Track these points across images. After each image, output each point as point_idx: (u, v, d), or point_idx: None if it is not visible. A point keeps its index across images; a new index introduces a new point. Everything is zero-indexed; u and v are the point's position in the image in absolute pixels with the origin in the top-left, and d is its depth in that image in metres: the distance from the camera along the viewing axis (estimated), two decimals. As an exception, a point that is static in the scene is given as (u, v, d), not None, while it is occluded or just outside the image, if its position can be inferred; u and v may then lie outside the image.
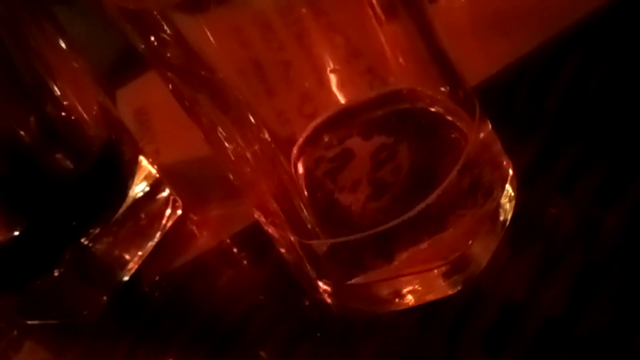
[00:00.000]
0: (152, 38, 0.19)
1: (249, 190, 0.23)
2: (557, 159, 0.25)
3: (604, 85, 0.26)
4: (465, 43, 0.30)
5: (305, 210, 0.22)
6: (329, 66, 0.24)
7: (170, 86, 0.21)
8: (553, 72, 0.27)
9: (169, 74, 0.20)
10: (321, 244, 0.22)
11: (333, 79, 0.24)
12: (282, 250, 0.23)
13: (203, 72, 0.20)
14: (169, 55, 0.19)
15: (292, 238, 0.22)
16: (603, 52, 0.27)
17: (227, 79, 0.20)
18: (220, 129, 0.21)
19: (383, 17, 0.22)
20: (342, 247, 0.22)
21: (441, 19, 0.24)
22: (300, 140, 0.23)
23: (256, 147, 0.21)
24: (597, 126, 0.25)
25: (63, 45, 0.29)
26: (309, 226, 0.22)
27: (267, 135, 0.21)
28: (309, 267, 0.23)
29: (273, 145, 0.22)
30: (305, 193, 0.23)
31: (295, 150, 0.23)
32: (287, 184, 0.22)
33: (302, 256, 0.22)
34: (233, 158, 0.22)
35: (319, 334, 0.25)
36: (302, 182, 0.23)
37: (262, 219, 0.23)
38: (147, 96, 0.38)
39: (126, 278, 0.30)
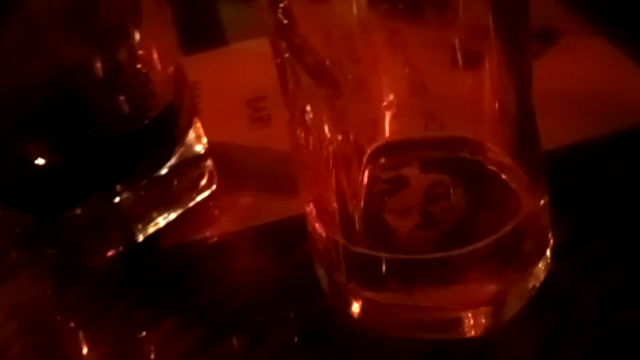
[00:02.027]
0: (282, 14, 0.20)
1: (312, 182, 0.23)
2: (591, 244, 0.26)
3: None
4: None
5: (356, 218, 0.23)
6: (392, 97, 0.25)
7: (278, 60, 0.22)
8: (614, 161, 0.29)
9: (286, 50, 0.21)
10: (367, 253, 0.22)
11: (393, 110, 0.25)
12: (319, 246, 0.24)
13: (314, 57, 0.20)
14: (291, 33, 0.20)
15: (337, 238, 0.23)
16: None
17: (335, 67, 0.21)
18: (311, 116, 0.22)
19: (461, 64, 0.23)
20: (382, 263, 0.22)
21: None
22: (368, 150, 0.24)
23: (338, 141, 0.22)
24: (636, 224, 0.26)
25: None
26: (358, 234, 0.23)
27: (351, 135, 0.22)
28: (343, 270, 0.23)
29: (353, 147, 0.22)
30: (362, 205, 0.23)
31: (364, 159, 0.24)
32: (351, 188, 0.23)
33: (341, 259, 0.23)
34: (311, 148, 0.22)
35: (319, 341, 0.25)
36: (363, 191, 0.23)
37: (313, 214, 0.23)
38: (203, 73, 0.39)
39: (141, 237, 0.30)
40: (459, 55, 0.22)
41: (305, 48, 0.21)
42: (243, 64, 0.40)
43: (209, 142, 0.33)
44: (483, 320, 0.23)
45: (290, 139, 0.23)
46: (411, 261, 0.22)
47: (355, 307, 0.24)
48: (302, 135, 0.22)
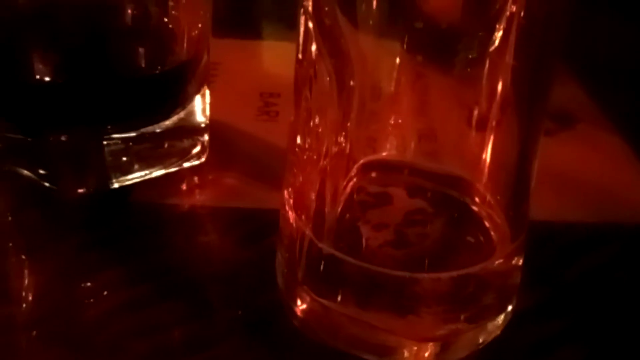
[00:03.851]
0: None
1: (297, 174, 0.23)
2: (554, 321, 0.25)
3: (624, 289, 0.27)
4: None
5: (330, 217, 0.23)
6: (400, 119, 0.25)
7: (300, 56, 0.22)
8: (599, 249, 0.28)
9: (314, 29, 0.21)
10: (331, 253, 0.22)
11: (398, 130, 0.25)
12: (286, 236, 0.24)
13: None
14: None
15: (306, 232, 0.22)
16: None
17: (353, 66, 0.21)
18: (316, 121, 0.22)
19: (475, 117, 0.24)
20: (343, 267, 0.22)
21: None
22: (361, 161, 0.24)
23: (334, 149, 0.22)
24: (597, 317, 0.26)
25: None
26: (327, 232, 0.22)
27: (348, 143, 0.22)
28: (302, 266, 0.23)
29: (347, 152, 0.22)
30: (340, 208, 0.23)
31: (354, 169, 0.24)
32: (333, 192, 0.23)
33: (303, 254, 0.23)
34: (306, 146, 0.22)
35: (255, 332, 0.24)
36: (343, 197, 0.23)
37: (290, 202, 0.23)
38: (226, 56, 0.39)
39: (116, 185, 0.30)
40: (475, 112, 0.23)
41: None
42: (267, 60, 0.40)
43: (211, 118, 0.33)
44: (425, 355, 0.23)
45: (289, 134, 0.23)
46: (371, 274, 0.22)
47: (302, 307, 0.24)
48: (301, 135, 0.22)
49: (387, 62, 0.23)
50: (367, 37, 0.22)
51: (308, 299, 0.23)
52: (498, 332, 0.24)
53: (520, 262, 0.24)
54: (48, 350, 0.24)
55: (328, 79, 0.21)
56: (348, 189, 0.24)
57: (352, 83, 0.22)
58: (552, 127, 0.36)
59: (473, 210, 0.25)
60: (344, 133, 0.22)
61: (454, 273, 0.22)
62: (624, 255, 0.28)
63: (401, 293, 0.22)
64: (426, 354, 0.23)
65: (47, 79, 0.29)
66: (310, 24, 0.21)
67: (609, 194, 0.31)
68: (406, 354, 0.23)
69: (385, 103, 0.24)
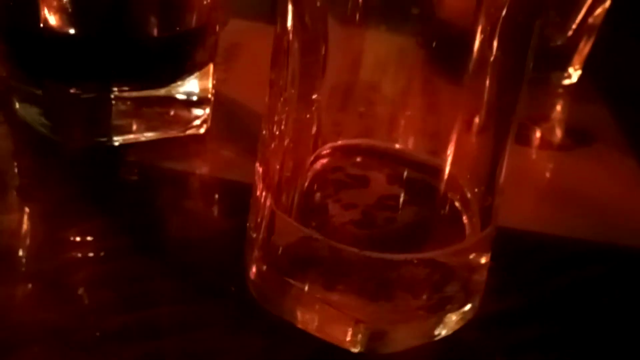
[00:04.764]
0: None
1: (268, 146, 0.23)
2: (521, 329, 0.25)
3: (601, 309, 0.26)
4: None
5: (296, 194, 0.23)
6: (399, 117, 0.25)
7: (279, 26, 0.22)
8: (586, 267, 0.28)
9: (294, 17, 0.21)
10: (285, 220, 0.22)
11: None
12: (252, 211, 0.24)
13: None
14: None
15: (268, 202, 0.22)
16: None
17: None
18: (289, 84, 0.22)
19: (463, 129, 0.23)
20: (299, 239, 0.22)
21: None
22: (339, 143, 0.24)
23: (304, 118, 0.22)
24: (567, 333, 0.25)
25: None
26: (289, 204, 0.22)
27: (315, 118, 0.22)
28: (260, 232, 0.23)
29: (314, 131, 0.22)
30: (307, 183, 0.23)
31: (327, 148, 0.24)
32: (294, 166, 0.23)
33: (263, 224, 0.23)
34: (276, 118, 0.22)
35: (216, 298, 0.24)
36: (311, 173, 0.23)
37: (259, 173, 0.23)
38: (249, 40, 0.39)
39: (117, 143, 0.31)
40: (460, 111, 0.23)
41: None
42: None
43: (224, 94, 0.33)
44: (373, 341, 0.22)
45: (268, 104, 0.23)
46: (324, 246, 0.21)
47: (256, 277, 0.24)
48: (271, 109, 0.22)
49: (373, 48, 0.23)
50: (348, 27, 0.22)
51: (263, 268, 0.23)
52: (456, 327, 0.23)
53: (486, 259, 0.24)
54: (15, 286, 0.24)
55: (298, 54, 0.21)
56: (318, 166, 0.24)
57: (323, 62, 0.22)
58: (568, 143, 0.35)
59: (448, 202, 0.24)
60: (311, 110, 0.22)
61: (413, 256, 0.22)
62: (611, 276, 0.27)
63: (357, 272, 0.22)
64: (377, 339, 0.22)
65: (60, 31, 0.29)
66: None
67: (611, 214, 0.30)
68: (359, 336, 0.23)
69: (372, 89, 0.24)
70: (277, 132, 0.23)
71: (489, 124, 0.23)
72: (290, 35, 0.22)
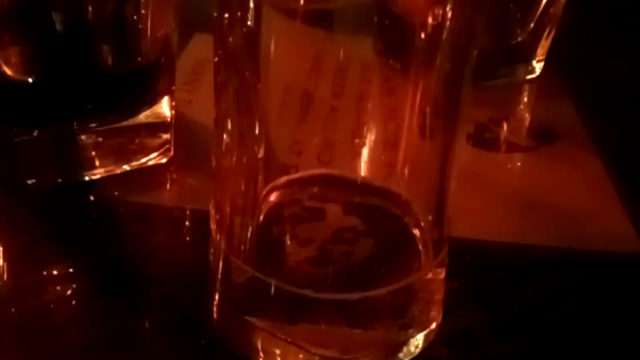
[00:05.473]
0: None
1: (217, 185, 0.24)
2: (482, 344, 0.25)
3: (565, 317, 0.26)
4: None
5: (249, 233, 0.23)
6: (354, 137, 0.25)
7: (216, 55, 0.22)
8: (540, 277, 0.28)
9: (222, 45, 0.21)
10: (237, 265, 0.22)
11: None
12: (211, 250, 0.24)
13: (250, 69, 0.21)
14: (235, 32, 0.21)
15: (222, 245, 0.23)
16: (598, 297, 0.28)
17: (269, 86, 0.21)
18: (230, 121, 0.22)
19: (417, 134, 0.24)
20: (251, 282, 0.22)
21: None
22: (294, 176, 0.25)
23: (254, 153, 0.22)
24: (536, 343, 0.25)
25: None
26: (242, 244, 0.23)
27: (261, 151, 0.22)
28: (218, 272, 0.23)
29: (262, 163, 0.22)
30: (261, 217, 0.23)
31: (282, 180, 0.24)
32: (249, 200, 0.23)
33: (222, 265, 0.23)
34: (223, 149, 0.22)
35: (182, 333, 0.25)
36: (266, 207, 0.23)
37: (212, 216, 0.23)
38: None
39: (87, 178, 0.31)
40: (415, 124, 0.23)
41: (242, 51, 0.21)
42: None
43: (188, 117, 0.33)
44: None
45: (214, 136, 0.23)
46: (277, 290, 0.22)
47: (219, 317, 0.24)
48: (218, 141, 0.23)
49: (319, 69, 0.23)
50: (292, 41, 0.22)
51: (223, 306, 0.24)
52: (424, 345, 0.24)
53: (443, 275, 0.24)
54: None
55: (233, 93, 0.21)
56: (273, 199, 0.24)
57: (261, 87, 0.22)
58: (532, 144, 0.36)
59: (404, 228, 0.25)
60: (258, 144, 0.22)
61: (367, 294, 0.22)
62: (574, 285, 0.28)
63: (313, 312, 0.22)
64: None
65: (18, 75, 0.30)
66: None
67: (576, 218, 0.31)
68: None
69: (318, 113, 0.24)
70: (226, 168, 0.23)
71: (437, 127, 0.23)
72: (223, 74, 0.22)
